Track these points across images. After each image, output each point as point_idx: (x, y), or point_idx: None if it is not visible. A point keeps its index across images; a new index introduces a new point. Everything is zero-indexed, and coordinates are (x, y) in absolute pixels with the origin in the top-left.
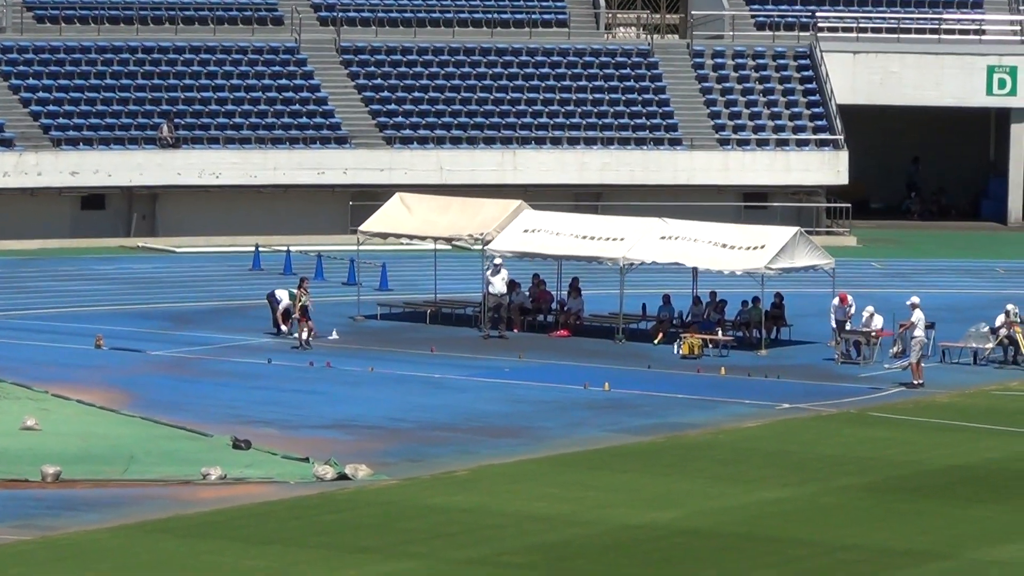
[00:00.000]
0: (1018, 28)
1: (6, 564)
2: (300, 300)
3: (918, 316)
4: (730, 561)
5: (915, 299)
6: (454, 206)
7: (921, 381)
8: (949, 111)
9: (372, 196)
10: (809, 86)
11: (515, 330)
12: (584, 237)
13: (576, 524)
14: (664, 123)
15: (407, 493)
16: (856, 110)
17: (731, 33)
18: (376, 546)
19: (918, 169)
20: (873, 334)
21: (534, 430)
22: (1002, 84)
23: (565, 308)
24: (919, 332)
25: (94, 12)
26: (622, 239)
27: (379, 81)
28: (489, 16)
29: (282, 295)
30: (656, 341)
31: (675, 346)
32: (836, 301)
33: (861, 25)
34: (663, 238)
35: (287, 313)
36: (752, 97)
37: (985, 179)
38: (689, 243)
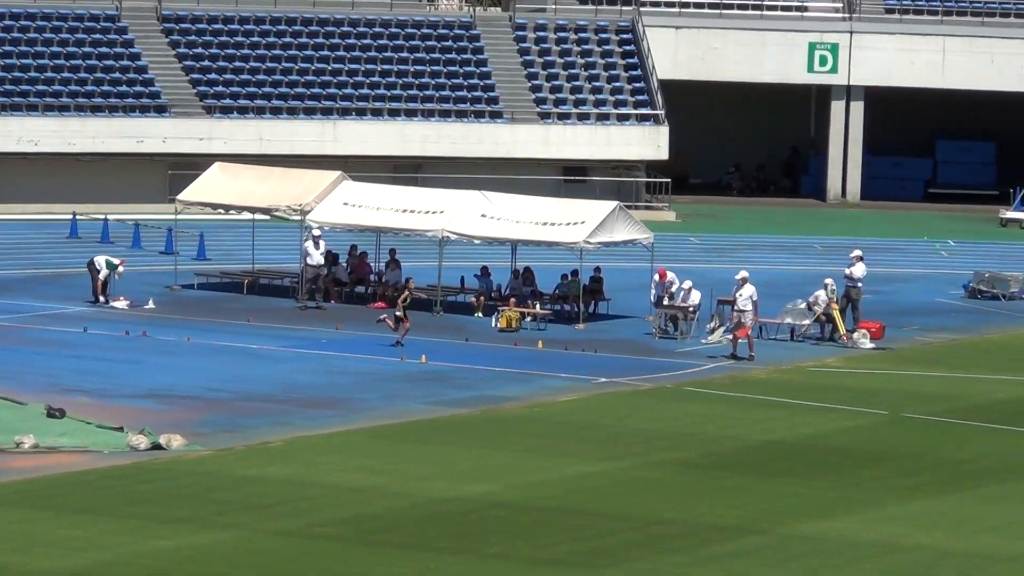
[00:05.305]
0: (840, 5)
1: None
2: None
3: (747, 291)
4: (544, 535)
5: (744, 273)
6: (273, 176)
7: (752, 354)
8: (770, 87)
9: (191, 165)
10: (631, 61)
11: (332, 301)
12: (404, 210)
13: (390, 496)
14: (485, 96)
15: (221, 463)
16: (678, 85)
17: (553, 6)
18: (189, 516)
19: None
20: (691, 309)
21: (350, 401)
22: (823, 61)
23: (383, 280)
24: (747, 306)
25: None
26: (442, 212)
27: (200, 50)
28: None
29: (101, 263)
30: (477, 314)
31: (493, 319)
32: (656, 277)
33: (683, 0)
34: (483, 216)
35: (106, 283)
36: (574, 71)
37: (805, 156)
38: (510, 222)
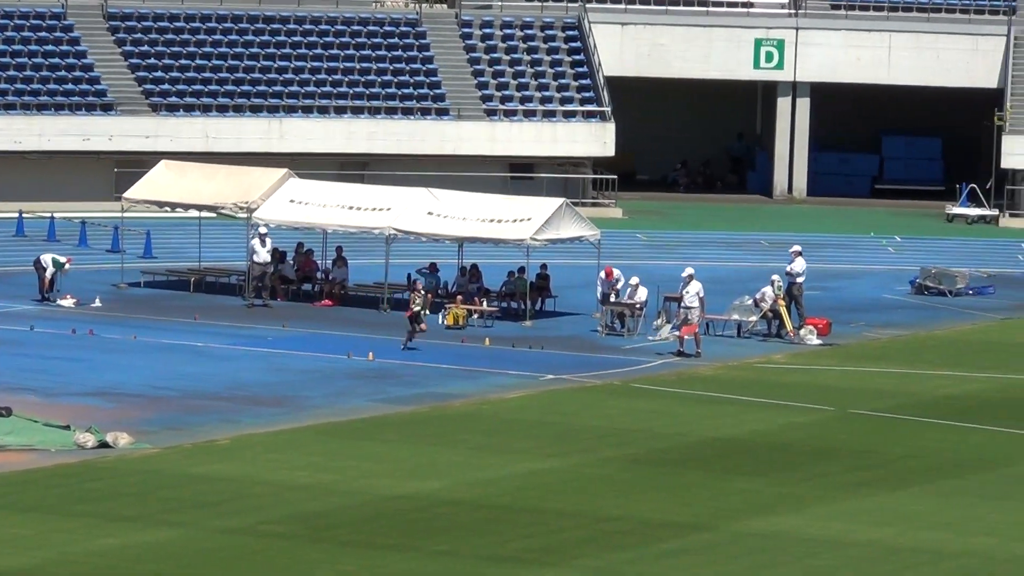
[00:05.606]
0: (786, 1)
1: None
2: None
3: (694, 288)
4: (492, 532)
5: (690, 270)
6: (219, 174)
7: (700, 351)
8: (717, 84)
9: (137, 163)
10: (577, 57)
11: (279, 299)
12: (350, 207)
13: (338, 494)
14: (432, 93)
15: (168, 462)
16: (624, 82)
17: (499, 3)
18: (136, 514)
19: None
20: (637, 306)
21: (297, 399)
22: (769, 57)
23: (330, 277)
24: (694, 303)
25: None
26: (388, 209)
27: (146, 48)
28: None
29: (47, 261)
30: (424, 311)
31: (440, 316)
32: (602, 275)
33: None
34: (430, 214)
35: (52, 281)
36: (520, 68)
37: (752, 152)
38: (456, 219)
